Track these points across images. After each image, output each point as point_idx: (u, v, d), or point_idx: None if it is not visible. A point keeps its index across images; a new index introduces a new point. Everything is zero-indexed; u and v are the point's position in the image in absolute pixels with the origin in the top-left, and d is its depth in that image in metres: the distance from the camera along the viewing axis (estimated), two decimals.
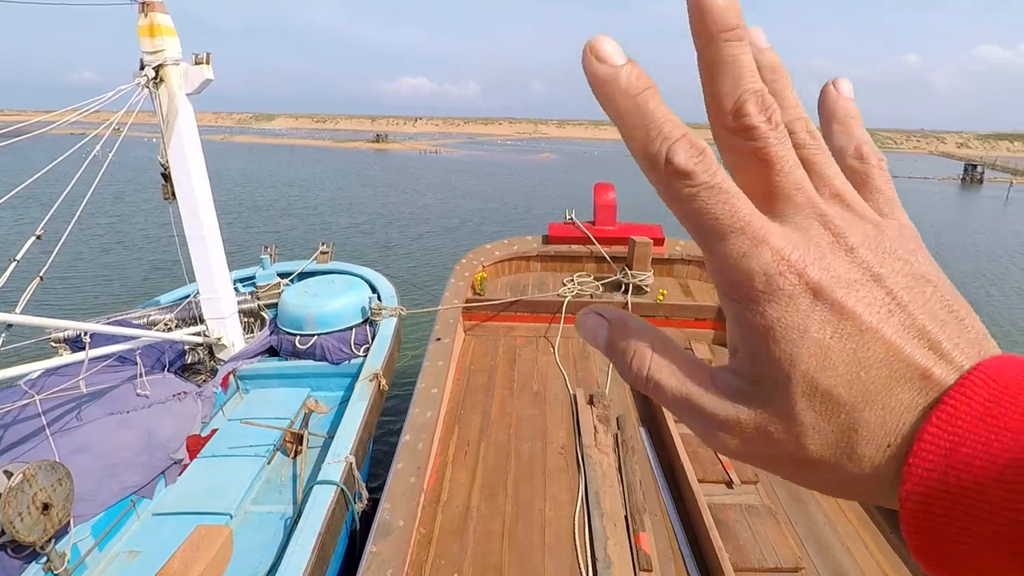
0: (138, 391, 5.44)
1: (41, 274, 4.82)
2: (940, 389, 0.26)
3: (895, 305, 0.28)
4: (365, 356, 6.43)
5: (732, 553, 3.47)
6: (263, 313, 7.43)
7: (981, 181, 55.28)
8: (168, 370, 6.12)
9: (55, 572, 3.98)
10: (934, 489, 0.24)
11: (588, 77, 0.28)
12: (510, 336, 6.48)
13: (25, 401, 4.74)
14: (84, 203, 5.12)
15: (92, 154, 5.22)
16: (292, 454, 5.51)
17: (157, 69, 5.60)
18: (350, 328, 6.80)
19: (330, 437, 5.31)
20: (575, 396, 5.24)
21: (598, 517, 3.83)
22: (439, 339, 5.58)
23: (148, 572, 4.10)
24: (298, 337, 6.67)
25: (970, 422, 0.24)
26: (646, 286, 6.91)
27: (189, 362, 6.56)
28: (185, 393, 5.76)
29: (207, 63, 5.79)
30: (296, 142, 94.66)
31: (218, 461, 5.41)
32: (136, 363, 5.55)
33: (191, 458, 5.42)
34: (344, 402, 5.90)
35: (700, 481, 4.07)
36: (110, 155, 5.32)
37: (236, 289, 7.25)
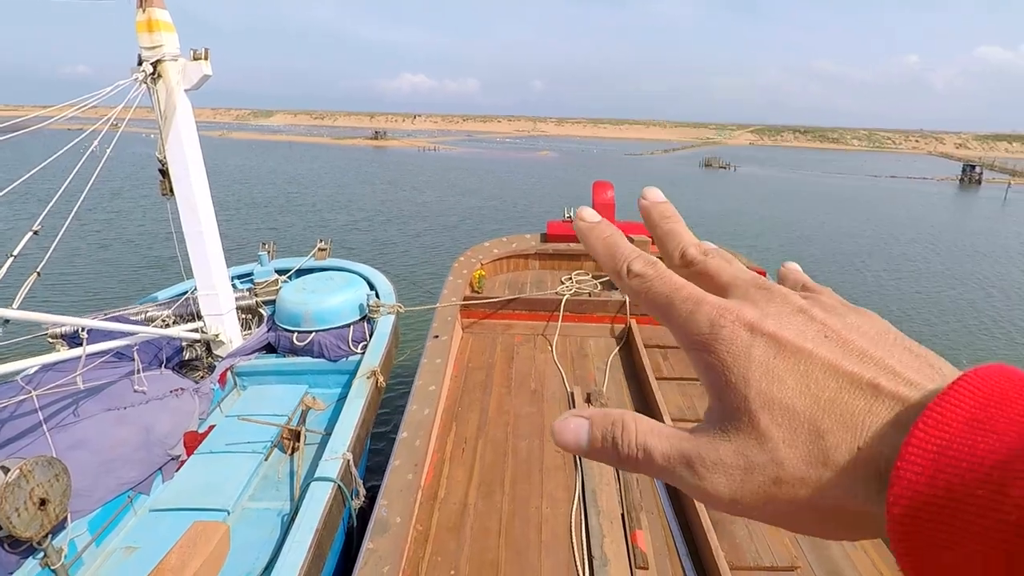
0: (135, 387, 5.44)
1: (38, 270, 4.82)
2: (895, 397, 0.28)
3: (830, 332, 0.32)
4: (363, 353, 6.43)
5: (728, 551, 3.48)
6: (261, 310, 7.42)
7: (979, 182, 55.39)
8: (165, 366, 6.11)
9: (52, 567, 3.98)
10: (922, 493, 0.24)
11: (577, 231, 0.40)
12: (508, 334, 6.48)
13: (22, 397, 4.73)
14: (82, 199, 5.12)
15: (90, 150, 5.22)
16: (289, 451, 5.51)
17: (155, 65, 5.59)
18: (348, 325, 6.80)
19: (327, 434, 5.31)
20: (572, 394, 5.24)
21: (595, 515, 3.84)
22: (437, 336, 5.58)
23: (145, 568, 4.10)
24: (296, 334, 6.66)
25: (957, 426, 0.25)
26: None
27: (187, 358, 6.55)
28: (182, 389, 5.75)
29: (205, 59, 5.77)
30: (294, 139, 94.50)
31: (215, 457, 5.41)
32: (133, 359, 5.54)
33: (188, 454, 5.41)
34: (342, 399, 5.89)
35: None
36: (108, 151, 5.32)
37: (234, 286, 7.23)
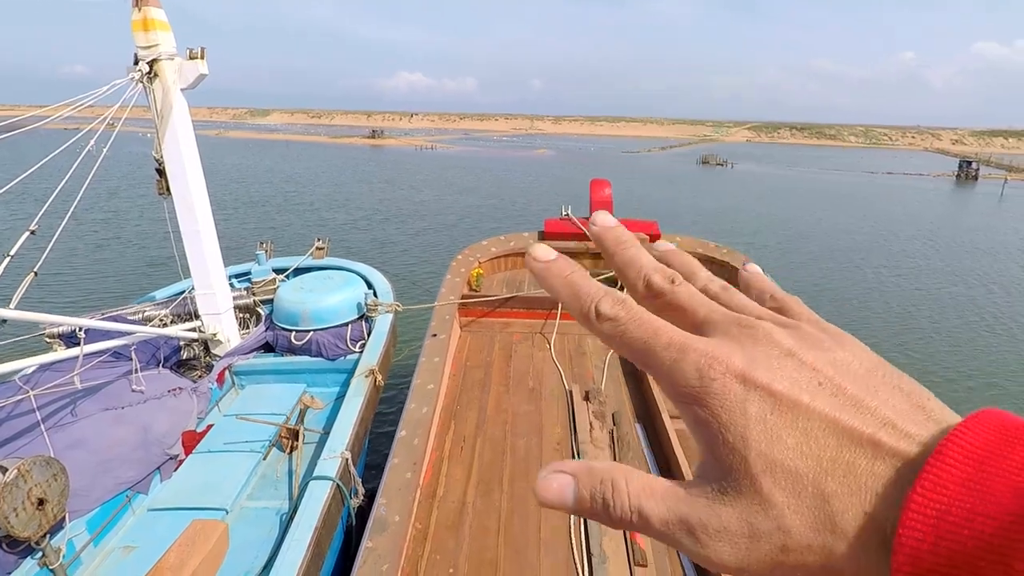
0: (133, 387, 5.43)
1: (35, 269, 4.81)
2: (895, 454, 0.27)
3: (823, 379, 0.30)
4: (361, 352, 6.43)
5: None
6: (259, 309, 7.41)
7: (976, 178, 55.48)
8: (163, 366, 6.10)
9: (50, 567, 3.97)
10: (925, 561, 0.24)
11: (532, 273, 0.37)
12: (506, 332, 6.48)
13: (20, 397, 4.72)
14: (78, 198, 5.10)
15: (86, 149, 5.20)
16: (288, 450, 5.51)
17: (151, 64, 5.57)
18: (346, 324, 6.80)
19: (326, 433, 5.31)
20: (571, 392, 5.25)
21: None
22: (435, 335, 5.57)
23: (143, 567, 4.10)
24: (294, 333, 6.66)
25: (954, 489, 0.24)
26: None
27: (184, 358, 6.54)
28: (180, 389, 5.75)
29: (201, 58, 5.76)
30: (291, 138, 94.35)
31: (213, 457, 5.40)
32: (131, 359, 5.53)
33: (186, 454, 5.41)
34: (340, 398, 5.89)
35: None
36: (104, 150, 5.30)
37: (231, 285, 7.23)
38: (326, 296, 6.83)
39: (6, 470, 3.70)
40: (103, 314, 6.22)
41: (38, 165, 4.73)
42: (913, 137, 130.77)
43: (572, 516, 3.85)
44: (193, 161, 6.01)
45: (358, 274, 7.88)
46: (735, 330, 0.33)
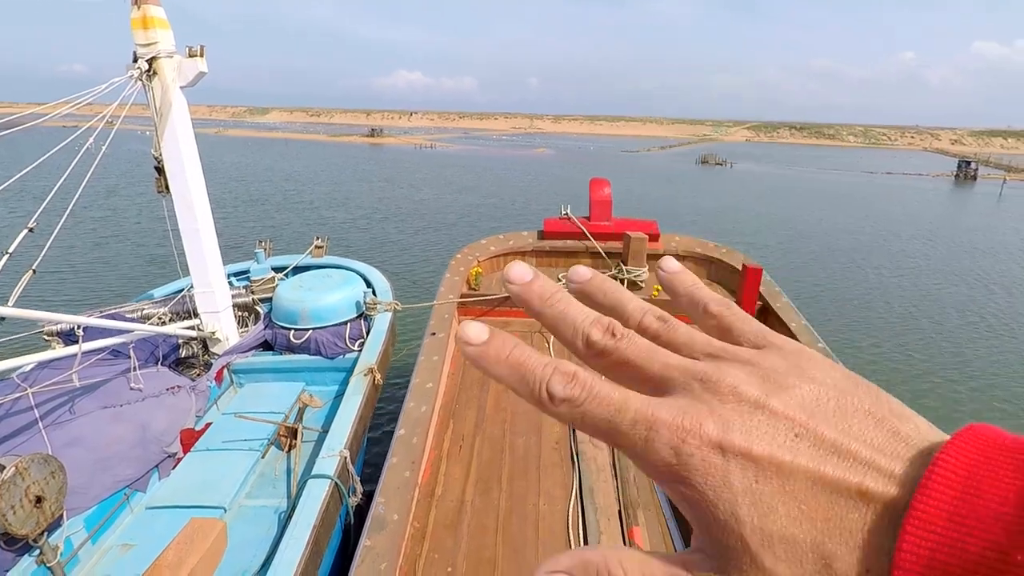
0: (132, 385, 5.43)
1: (34, 267, 4.80)
2: (884, 500, 0.26)
3: (799, 429, 0.29)
4: (360, 351, 6.43)
5: None
6: (257, 307, 7.41)
7: (975, 178, 55.49)
8: (162, 364, 6.10)
9: (48, 565, 3.97)
10: None
11: (468, 359, 0.33)
12: (505, 331, 6.48)
13: (18, 394, 4.72)
14: (77, 196, 5.10)
15: (85, 147, 5.20)
16: (286, 448, 5.51)
17: (150, 62, 5.57)
18: (345, 323, 6.80)
19: (324, 431, 5.31)
20: None
21: (592, 512, 3.85)
22: (434, 334, 5.57)
23: (141, 565, 4.10)
24: (293, 331, 6.66)
25: (942, 526, 0.24)
26: (641, 282, 6.92)
27: (183, 356, 6.54)
28: (179, 387, 5.74)
29: (201, 56, 5.75)
30: (291, 136, 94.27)
31: (212, 455, 5.40)
32: (130, 357, 5.53)
33: (185, 452, 5.41)
34: (339, 396, 5.89)
35: None
36: (103, 148, 5.30)
37: (230, 283, 7.23)
38: (325, 295, 6.83)
39: (4, 468, 3.70)
40: (102, 312, 6.22)
41: (37, 163, 4.72)
42: (912, 137, 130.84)
43: (570, 514, 3.86)
44: (192, 159, 6.01)
45: (357, 273, 7.88)
46: (697, 388, 0.31)
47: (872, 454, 0.27)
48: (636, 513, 3.83)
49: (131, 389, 5.40)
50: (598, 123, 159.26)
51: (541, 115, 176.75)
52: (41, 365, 5.09)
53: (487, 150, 76.03)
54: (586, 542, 3.63)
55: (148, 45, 5.51)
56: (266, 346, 6.92)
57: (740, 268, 6.62)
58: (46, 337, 5.84)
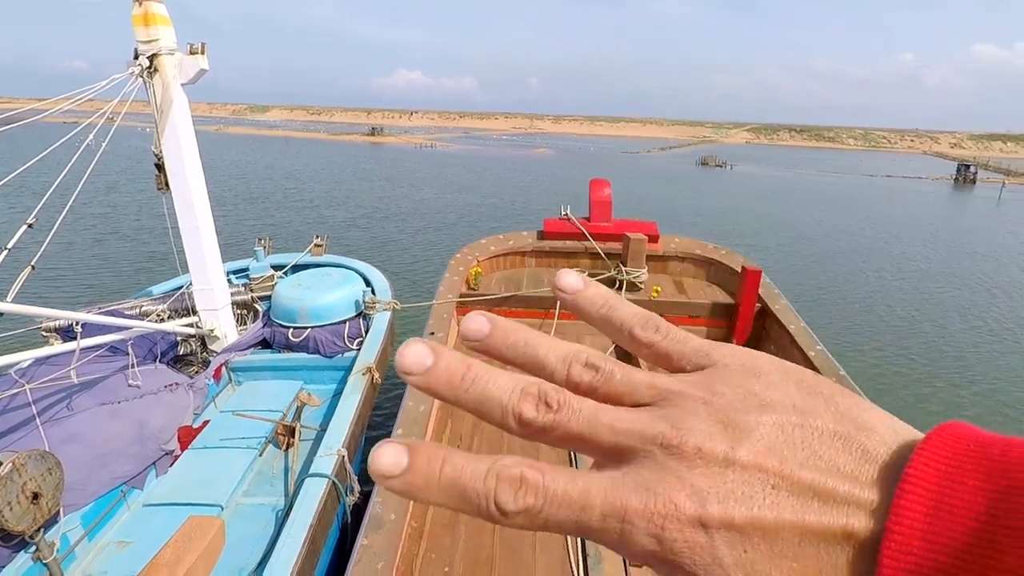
0: (130, 381, 5.43)
1: (33, 263, 4.80)
2: (868, 534, 0.26)
3: (774, 480, 0.27)
4: (358, 349, 6.42)
5: None
6: (256, 305, 7.41)
7: (974, 181, 55.55)
8: (160, 361, 6.10)
9: (44, 561, 3.97)
10: None
11: (391, 491, 0.28)
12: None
13: (15, 390, 4.72)
14: (77, 192, 5.09)
15: (85, 143, 5.19)
16: (284, 446, 5.51)
17: (151, 58, 5.56)
18: (344, 321, 6.79)
19: (322, 430, 5.30)
20: None
21: None
22: (433, 333, 5.57)
23: (138, 562, 4.09)
24: (291, 330, 6.65)
25: (918, 545, 0.24)
26: (640, 283, 6.92)
27: (181, 353, 6.54)
28: (177, 384, 5.74)
29: (202, 53, 5.75)
30: (291, 134, 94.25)
31: (209, 453, 5.40)
32: (128, 353, 5.53)
33: (182, 449, 5.40)
34: (337, 395, 5.89)
35: None
36: (103, 144, 5.29)
37: (229, 281, 7.23)
38: (324, 293, 6.83)
39: (1, 464, 3.70)
40: (100, 308, 6.21)
41: (37, 158, 4.72)
42: (912, 140, 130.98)
43: None
44: (192, 156, 6.00)
45: (356, 271, 7.88)
46: (659, 454, 0.28)
47: (848, 488, 0.27)
48: None
49: (129, 386, 5.40)
50: (598, 124, 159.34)
51: (541, 115, 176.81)
52: (39, 361, 5.09)
53: (487, 150, 76.04)
54: (583, 543, 3.63)
55: (149, 42, 5.51)
56: (264, 344, 6.92)
57: (739, 270, 6.62)
58: (44, 333, 5.83)
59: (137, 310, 6.51)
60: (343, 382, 5.95)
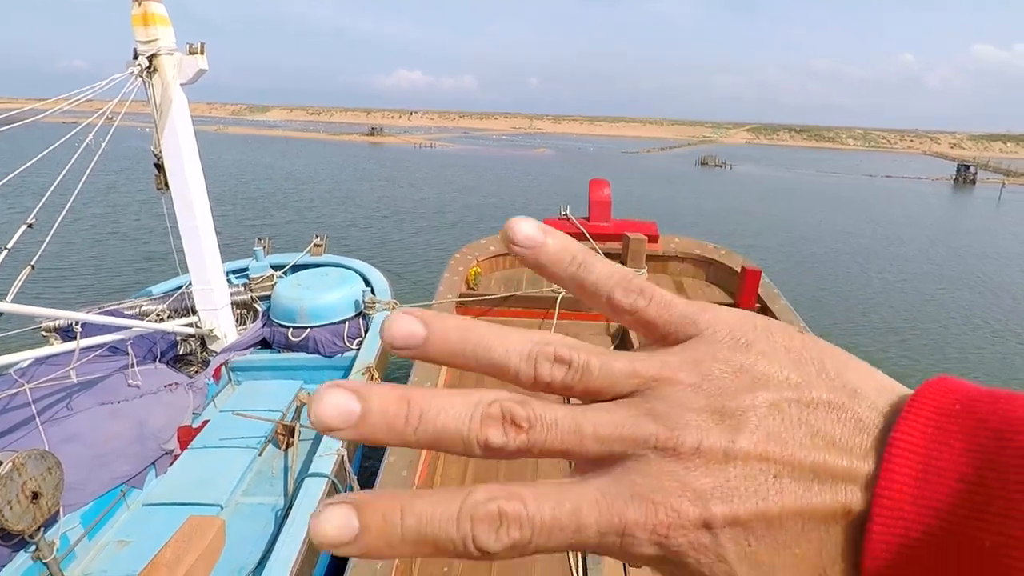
0: (129, 381, 5.43)
1: (33, 263, 4.80)
2: (864, 503, 0.25)
3: (776, 468, 0.26)
4: (358, 349, 6.43)
5: None
6: (256, 305, 7.41)
7: (974, 182, 55.55)
8: (160, 361, 6.10)
9: (44, 561, 3.97)
10: None
11: (347, 555, 0.25)
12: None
13: (15, 390, 4.72)
14: (76, 192, 5.09)
15: (84, 143, 5.19)
16: (283, 446, 5.51)
17: (151, 58, 5.56)
18: (343, 321, 6.79)
19: None
20: None
21: None
22: None
23: (138, 562, 4.09)
24: (291, 329, 6.65)
25: (909, 509, 0.24)
26: None
27: (181, 353, 6.54)
28: (177, 384, 5.74)
29: (201, 53, 5.75)
30: (291, 134, 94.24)
31: (209, 452, 5.40)
32: (128, 353, 5.53)
33: (182, 449, 5.41)
34: None
35: None
36: (103, 144, 5.30)
37: (229, 281, 7.23)
38: (324, 293, 6.83)
39: (1, 463, 3.70)
40: (100, 308, 6.21)
41: (36, 158, 4.72)
42: (912, 140, 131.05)
43: None
44: (192, 156, 6.00)
45: (356, 271, 7.88)
46: (654, 458, 0.26)
47: (846, 462, 0.26)
48: None
49: (129, 386, 5.40)
50: (598, 124, 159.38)
51: (541, 115, 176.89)
52: (39, 361, 5.09)
53: (487, 150, 76.05)
54: None
55: (149, 42, 5.51)
56: (264, 344, 6.92)
57: (739, 270, 6.62)
58: (44, 333, 5.83)
59: (137, 310, 6.51)
60: None
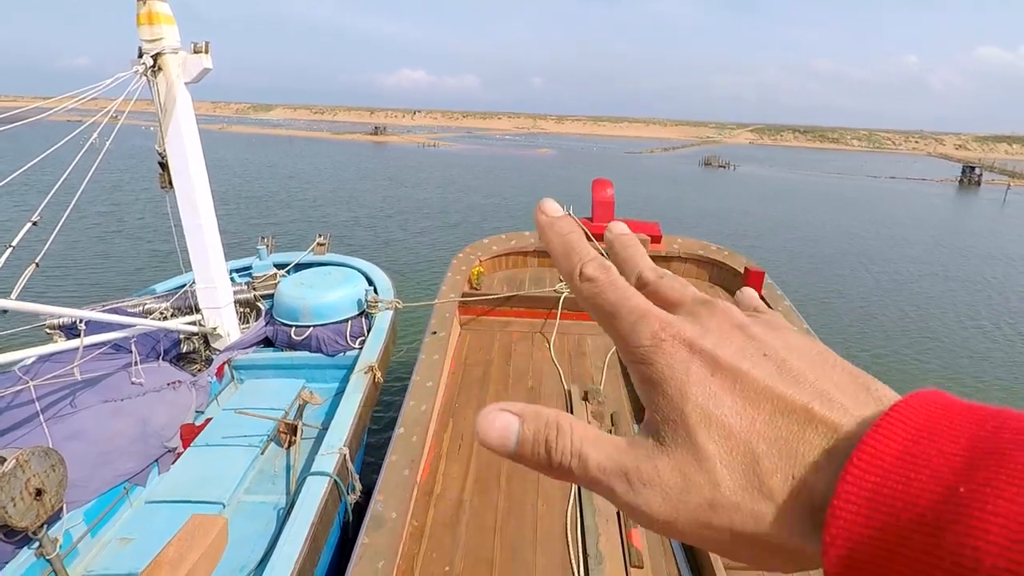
0: (133, 379, 5.44)
1: (37, 260, 4.82)
2: (829, 424, 0.28)
3: (768, 351, 0.31)
4: (361, 348, 6.43)
5: None
6: (259, 304, 7.42)
7: (979, 183, 55.35)
8: (163, 359, 6.11)
9: (47, 557, 3.98)
10: (858, 534, 0.24)
11: (536, 224, 0.38)
12: (506, 331, 6.47)
13: (19, 387, 4.73)
14: (81, 190, 5.11)
15: (89, 142, 5.20)
16: (286, 445, 5.52)
17: (155, 57, 5.58)
18: (346, 320, 6.80)
19: (324, 429, 5.31)
20: (570, 392, 5.25)
21: (590, 513, 3.84)
22: (435, 333, 5.58)
23: (140, 559, 4.10)
24: (294, 328, 6.66)
25: (891, 460, 0.24)
26: None
27: (184, 351, 6.55)
28: (180, 382, 5.75)
29: (206, 52, 5.76)
30: (294, 133, 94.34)
31: (212, 450, 5.41)
32: (131, 351, 5.54)
33: (185, 447, 5.42)
34: (339, 394, 5.90)
35: None
36: (107, 143, 5.30)
37: (232, 279, 7.23)
38: (326, 292, 6.84)
39: (4, 460, 3.71)
40: (104, 306, 6.23)
41: (41, 157, 4.73)
42: (916, 142, 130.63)
43: (568, 515, 3.85)
44: (196, 155, 6.02)
45: (359, 271, 7.88)
46: (696, 307, 0.35)
47: (831, 389, 0.29)
48: None
49: (132, 384, 5.41)
50: (601, 124, 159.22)
51: (544, 115, 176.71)
52: (43, 358, 5.11)
53: (490, 150, 76.03)
54: (584, 543, 3.63)
55: (153, 41, 5.52)
56: (267, 342, 6.93)
57: (742, 271, 6.61)
58: (48, 331, 5.85)
59: (140, 308, 6.52)
60: (345, 381, 5.96)
